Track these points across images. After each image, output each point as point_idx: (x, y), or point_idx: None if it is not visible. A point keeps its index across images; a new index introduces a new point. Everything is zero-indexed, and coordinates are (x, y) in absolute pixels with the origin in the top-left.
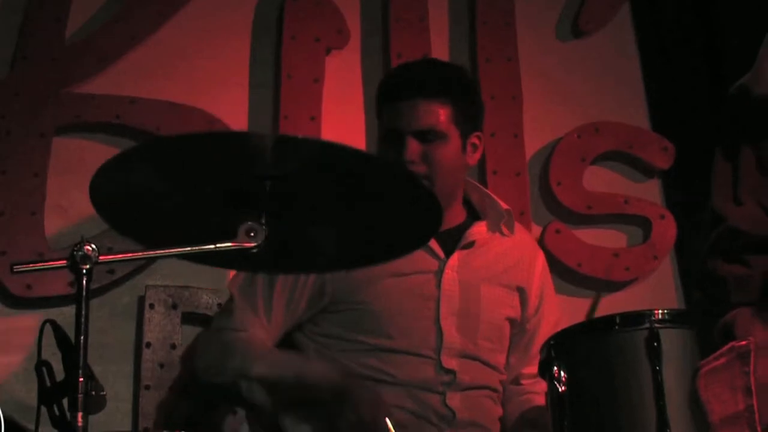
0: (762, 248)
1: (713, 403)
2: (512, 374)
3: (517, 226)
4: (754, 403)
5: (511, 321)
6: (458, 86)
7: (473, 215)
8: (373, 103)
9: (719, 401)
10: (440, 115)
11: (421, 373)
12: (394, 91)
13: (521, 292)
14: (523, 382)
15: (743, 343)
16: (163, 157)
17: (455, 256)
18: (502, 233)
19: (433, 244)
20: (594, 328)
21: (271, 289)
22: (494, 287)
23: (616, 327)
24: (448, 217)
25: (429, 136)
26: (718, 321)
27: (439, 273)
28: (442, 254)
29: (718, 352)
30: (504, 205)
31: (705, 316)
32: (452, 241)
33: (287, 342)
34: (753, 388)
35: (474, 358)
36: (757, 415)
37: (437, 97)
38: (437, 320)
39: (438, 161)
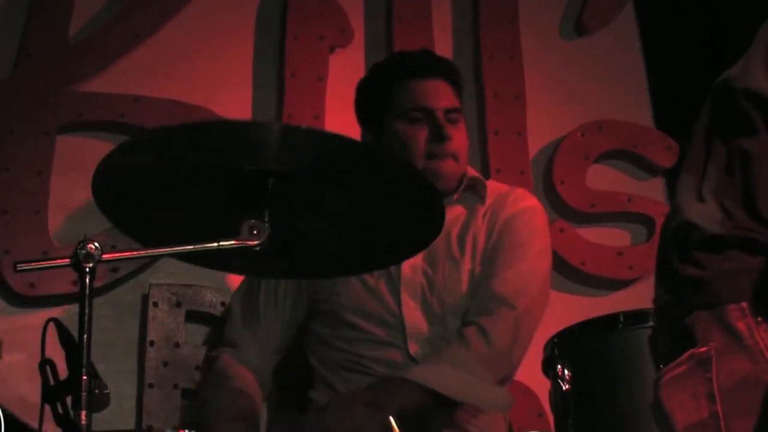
0: (714, 246)
1: (677, 412)
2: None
3: (499, 187)
4: (719, 409)
5: (469, 288)
6: (461, 76)
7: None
8: None
9: (682, 410)
10: (457, 98)
11: (393, 361)
12: (420, 69)
13: (480, 252)
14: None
15: (703, 349)
16: (166, 147)
17: None
18: (467, 206)
19: None
20: (598, 327)
21: (259, 293)
22: (457, 263)
23: (620, 325)
24: None
25: (452, 116)
26: (679, 325)
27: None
28: None
29: (679, 360)
30: (471, 173)
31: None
32: None
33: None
34: (716, 394)
35: (447, 341)
36: (722, 422)
37: (454, 82)
38: (399, 308)
39: (462, 141)
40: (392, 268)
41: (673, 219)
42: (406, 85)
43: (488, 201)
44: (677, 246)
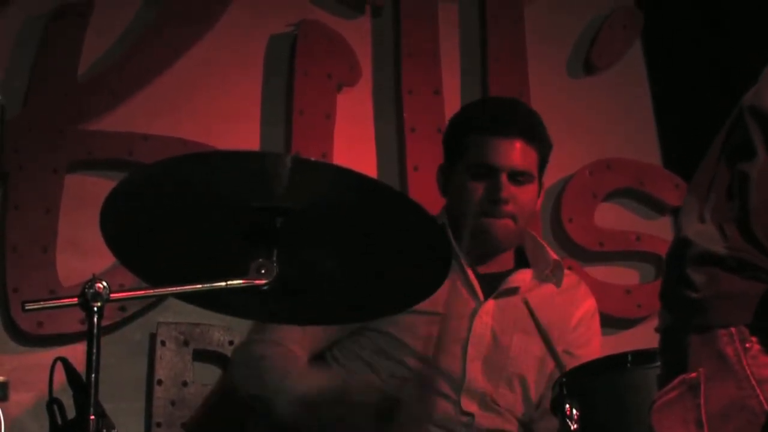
0: (707, 264)
1: None
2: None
3: (569, 275)
4: None
5: (541, 369)
6: (544, 132)
7: (522, 264)
8: (386, 140)
9: None
10: (533, 158)
11: (441, 411)
12: (494, 125)
13: (556, 343)
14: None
15: (693, 375)
16: (173, 179)
17: (491, 302)
18: (546, 283)
19: (475, 284)
20: (606, 366)
21: None
22: (529, 338)
23: (629, 365)
24: (498, 262)
25: (521, 178)
26: (676, 348)
27: (473, 316)
28: (481, 297)
29: (671, 385)
30: (553, 255)
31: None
32: (495, 285)
33: None
34: (704, 419)
35: (493, 406)
36: None
37: (532, 140)
38: (463, 362)
39: (524, 204)
40: (463, 321)
41: (674, 239)
42: (481, 138)
43: (564, 287)
44: (676, 264)
